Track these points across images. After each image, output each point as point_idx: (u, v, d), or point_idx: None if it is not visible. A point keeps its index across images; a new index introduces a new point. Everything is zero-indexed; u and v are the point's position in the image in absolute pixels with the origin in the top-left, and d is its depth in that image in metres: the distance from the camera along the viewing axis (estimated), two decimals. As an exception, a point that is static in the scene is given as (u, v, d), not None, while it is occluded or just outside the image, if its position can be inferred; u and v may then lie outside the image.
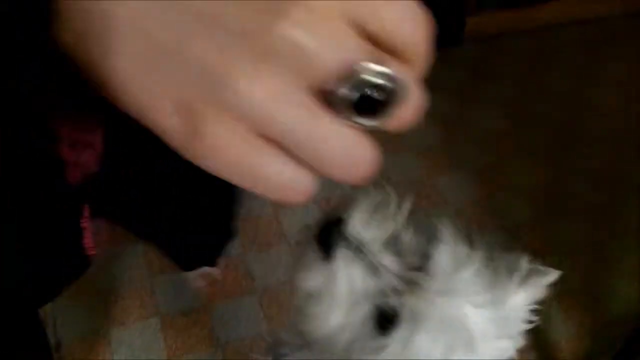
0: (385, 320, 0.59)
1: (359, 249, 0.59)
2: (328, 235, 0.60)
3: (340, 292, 0.59)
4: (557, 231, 1.93)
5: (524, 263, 0.64)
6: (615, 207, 2.01)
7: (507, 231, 1.90)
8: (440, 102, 2.27)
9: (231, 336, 1.67)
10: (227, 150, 0.28)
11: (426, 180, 2.05)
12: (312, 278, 0.61)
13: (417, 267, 0.61)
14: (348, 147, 0.29)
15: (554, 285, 0.65)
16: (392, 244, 0.61)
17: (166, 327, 1.66)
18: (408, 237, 0.63)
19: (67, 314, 1.64)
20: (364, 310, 0.60)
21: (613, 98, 2.41)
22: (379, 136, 0.31)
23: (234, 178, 0.30)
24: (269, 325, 1.70)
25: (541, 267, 0.65)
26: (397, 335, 0.58)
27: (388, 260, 0.60)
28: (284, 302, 1.76)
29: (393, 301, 0.59)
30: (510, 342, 0.62)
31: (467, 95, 2.40)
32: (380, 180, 0.63)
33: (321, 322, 0.61)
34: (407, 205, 0.64)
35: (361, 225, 0.60)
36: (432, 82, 0.32)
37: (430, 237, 0.62)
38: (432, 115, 2.20)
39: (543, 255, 0.63)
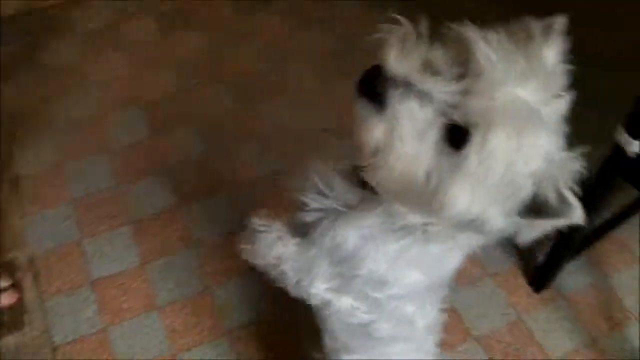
0: (455, 137, 0.60)
1: (405, 84, 0.60)
2: (372, 85, 0.62)
3: (406, 131, 0.61)
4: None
5: (534, 24, 0.64)
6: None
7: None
8: None
9: (205, 234, 1.68)
10: None
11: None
12: (375, 130, 0.63)
13: (461, 75, 0.61)
14: None
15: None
16: (429, 67, 0.62)
17: (138, 234, 1.67)
18: (438, 55, 0.63)
19: (39, 228, 1.65)
20: (432, 137, 0.61)
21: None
22: None
23: None
24: (242, 219, 1.71)
25: (549, 20, 0.66)
26: (473, 142, 0.59)
27: (434, 82, 0.60)
28: (256, 195, 1.76)
29: (456, 115, 0.60)
30: (563, 100, 0.63)
31: None
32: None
33: (394, 167, 0.63)
34: (424, 27, 0.64)
35: (397, 61, 0.61)
36: None
37: (457, 48, 0.63)
38: None
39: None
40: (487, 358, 1.51)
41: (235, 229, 1.65)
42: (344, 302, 0.92)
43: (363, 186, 0.78)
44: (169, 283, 1.59)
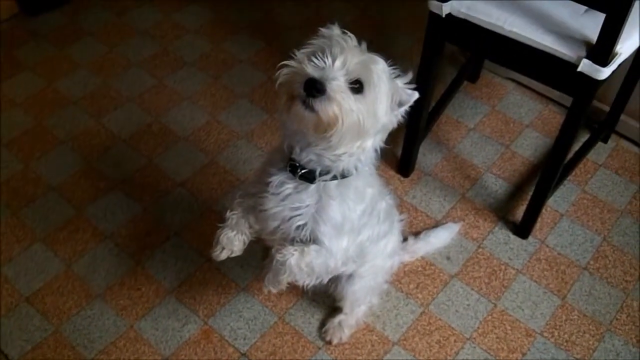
0: (357, 89, 1.02)
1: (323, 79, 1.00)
2: (314, 87, 0.99)
3: (343, 97, 1.01)
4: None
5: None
6: None
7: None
8: None
9: (116, 226, 1.80)
10: None
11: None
12: (328, 110, 1.00)
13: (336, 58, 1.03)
14: None
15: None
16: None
17: (52, 245, 1.75)
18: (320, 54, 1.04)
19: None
20: (349, 94, 1.02)
21: None
22: None
23: None
24: (143, 213, 1.85)
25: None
26: (365, 87, 1.04)
27: (333, 71, 1.01)
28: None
29: (351, 77, 1.03)
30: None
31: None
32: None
33: (345, 122, 1.02)
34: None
35: (314, 73, 1.00)
36: None
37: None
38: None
39: None
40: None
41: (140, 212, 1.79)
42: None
43: (294, 176, 1.15)
44: (99, 273, 1.70)
